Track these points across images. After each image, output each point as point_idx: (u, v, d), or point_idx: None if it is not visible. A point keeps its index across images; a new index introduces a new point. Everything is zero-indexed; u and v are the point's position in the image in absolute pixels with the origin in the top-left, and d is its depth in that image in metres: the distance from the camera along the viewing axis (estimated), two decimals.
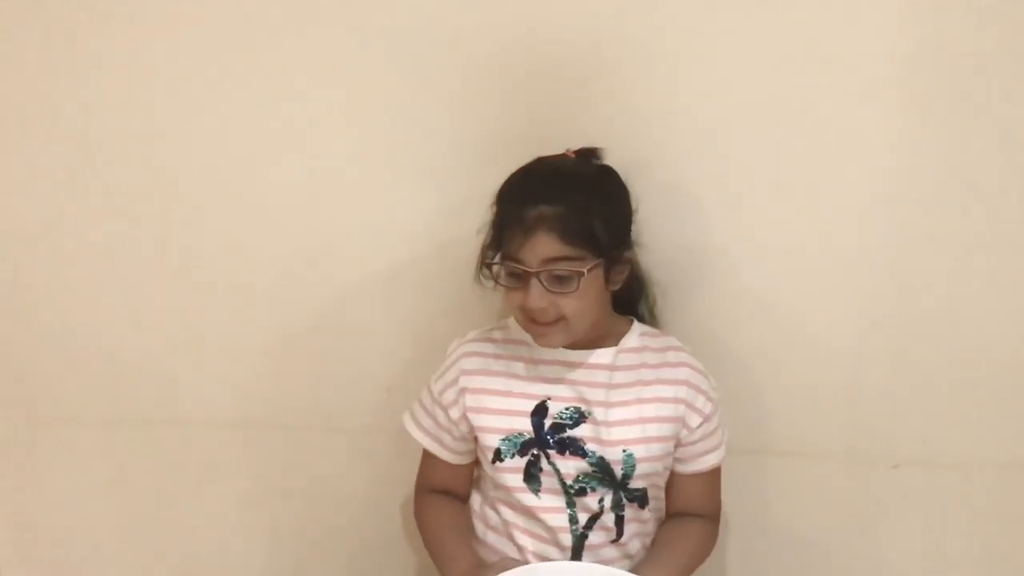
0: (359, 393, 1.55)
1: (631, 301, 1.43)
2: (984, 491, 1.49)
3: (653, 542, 1.39)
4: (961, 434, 1.47)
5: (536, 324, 1.26)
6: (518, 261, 1.23)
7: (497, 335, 1.38)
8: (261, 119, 1.46)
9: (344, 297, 1.53)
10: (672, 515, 1.42)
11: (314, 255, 1.51)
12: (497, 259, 1.26)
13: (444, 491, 1.42)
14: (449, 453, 1.39)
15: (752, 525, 1.55)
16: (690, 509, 1.41)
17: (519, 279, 1.24)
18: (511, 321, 1.38)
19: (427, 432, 1.39)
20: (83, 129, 1.48)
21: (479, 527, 1.40)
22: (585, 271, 1.22)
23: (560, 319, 1.25)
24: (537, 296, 1.23)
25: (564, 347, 1.32)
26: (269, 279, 1.53)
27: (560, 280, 1.23)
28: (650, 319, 1.44)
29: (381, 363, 1.55)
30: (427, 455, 1.41)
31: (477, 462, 1.41)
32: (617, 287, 1.32)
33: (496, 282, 1.28)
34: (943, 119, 1.36)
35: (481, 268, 1.30)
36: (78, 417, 1.62)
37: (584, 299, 1.24)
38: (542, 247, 1.21)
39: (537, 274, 1.22)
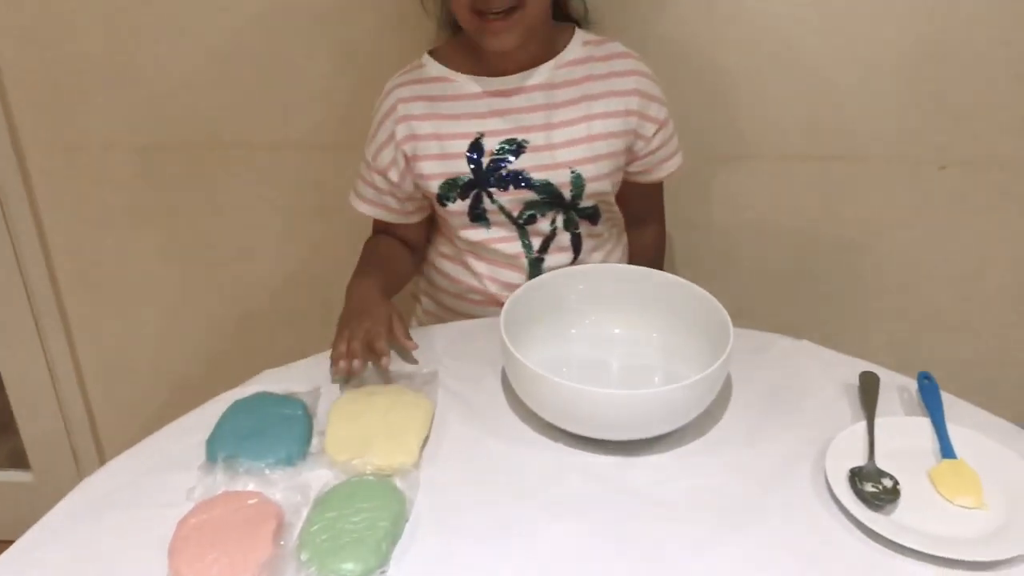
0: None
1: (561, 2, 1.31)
2: None
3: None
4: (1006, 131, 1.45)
5: (488, 21, 1.15)
6: None
7: (414, 76, 1.29)
8: None
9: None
10: (630, 223, 1.45)
11: None
12: None
13: (394, 235, 1.39)
14: (397, 216, 1.35)
15: (796, 229, 1.59)
16: (647, 214, 1.45)
17: None
18: (425, 58, 1.29)
19: (370, 202, 1.34)
20: None
21: (434, 256, 1.40)
22: None
23: (515, 7, 1.14)
24: None
25: (492, 75, 1.25)
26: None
27: None
28: (584, 22, 1.34)
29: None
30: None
31: None
32: None
33: None
34: None
35: None
36: (118, 143, 1.63)
37: None
38: None
39: None
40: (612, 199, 1.37)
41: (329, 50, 1.52)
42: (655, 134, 1.30)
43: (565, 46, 1.27)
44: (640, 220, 1.46)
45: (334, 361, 1.13)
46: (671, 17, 1.43)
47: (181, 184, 1.66)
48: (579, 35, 1.29)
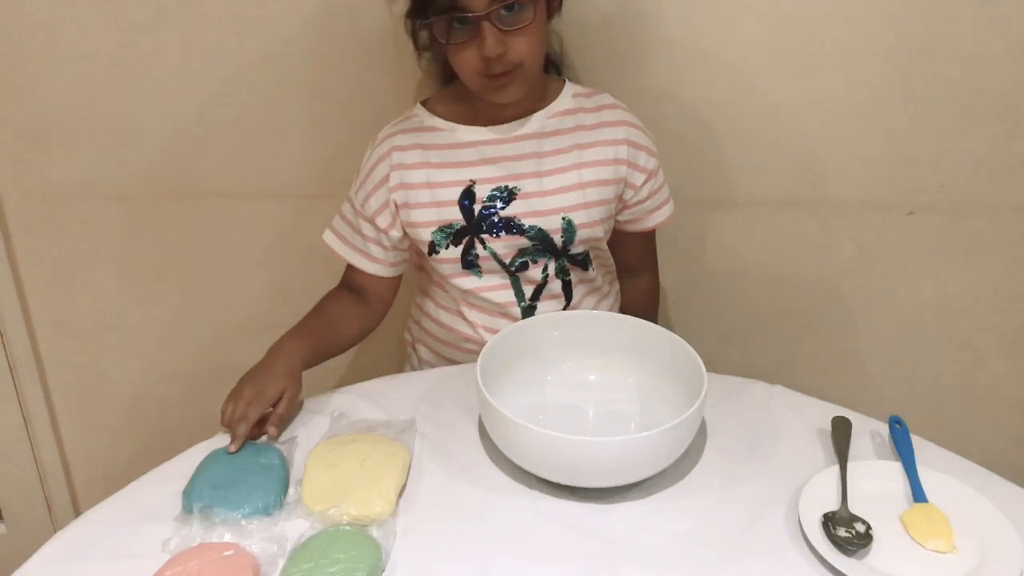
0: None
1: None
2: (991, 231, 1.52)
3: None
4: (972, 178, 1.48)
5: (492, 79, 1.18)
6: (461, 8, 1.13)
7: (408, 125, 1.31)
8: None
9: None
10: (624, 273, 1.47)
11: None
12: (434, 15, 1.15)
13: (361, 291, 1.37)
14: (378, 266, 1.34)
15: (767, 274, 1.61)
16: (639, 264, 1.47)
17: (466, 31, 1.15)
18: (417, 109, 1.32)
19: (354, 248, 1.34)
20: None
21: (429, 306, 1.40)
22: None
23: (517, 67, 1.17)
24: (493, 41, 1.14)
25: (485, 125, 1.27)
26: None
27: (513, 14, 1.14)
28: (563, 70, 1.38)
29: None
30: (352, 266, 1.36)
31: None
32: (559, 13, 1.25)
33: (436, 42, 1.18)
34: None
35: (416, 36, 1.20)
36: (96, 192, 1.63)
37: (538, 34, 1.17)
38: None
39: (487, 15, 1.13)
40: (604, 245, 1.38)
41: (311, 100, 1.53)
42: (644, 184, 1.32)
43: (556, 97, 1.30)
44: (633, 270, 1.48)
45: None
46: (657, 69, 1.46)
47: (160, 233, 1.67)
48: (569, 87, 1.32)
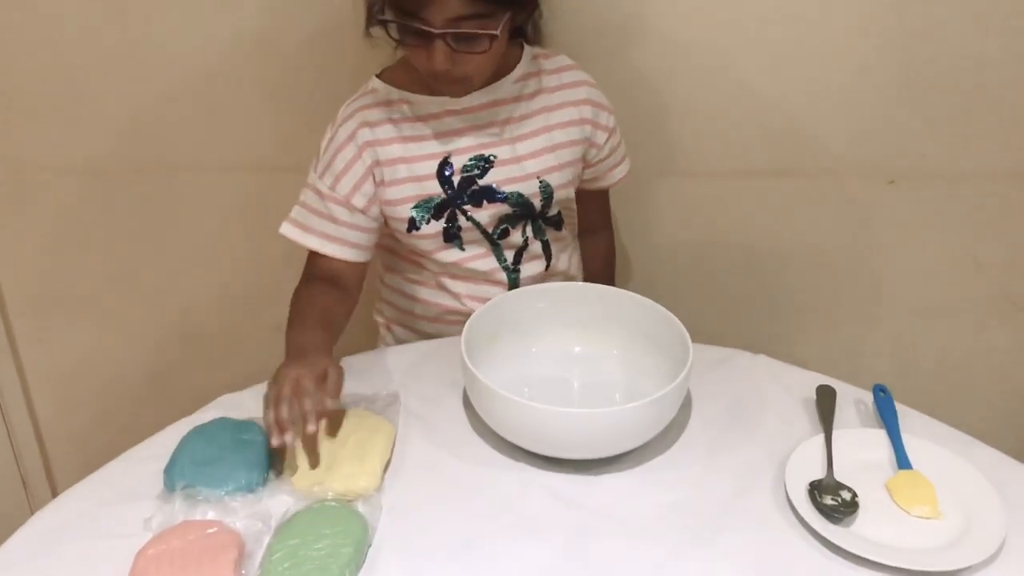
0: None
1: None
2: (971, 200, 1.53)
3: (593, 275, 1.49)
4: (952, 147, 1.48)
5: (439, 79, 1.17)
6: (420, 20, 1.09)
7: (369, 101, 1.26)
8: None
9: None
10: (582, 232, 1.47)
11: None
12: (391, 15, 1.12)
13: (332, 281, 1.26)
14: (355, 251, 1.25)
15: (748, 245, 1.61)
16: (598, 222, 1.50)
17: (421, 36, 1.11)
18: (376, 83, 1.27)
19: (326, 237, 1.24)
20: None
21: (402, 284, 1.39)
22: (497, 31, 1.11)
23: (464, 77, 1.17)
24: (442, 59, 1.11)
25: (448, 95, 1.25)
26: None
27: (469, 40, 1.11)
28: (535, 36, 1.35)
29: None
30: (316, 254, 1.26)
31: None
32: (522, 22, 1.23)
33: (392, 39, 1.15)
34: None
35: (370, 22, 1.16)
36: (66, 166, 1.60)
37: (492, 57, 1.15)
38: (449, 6, 1.07)
39: (443, 35, 1.10)
40: (573, 203, 1.40)
41: (277, 71, 1.51)
42: (606, 141, 1.34)
43: (517, 61, 1.29)
44: (591, 228, 1.50)
45: (268, 432, 1.00)
46: (622, 37, 1.45)
47: (130, 207, 1.64)
48: (528, 50, 1.31)
